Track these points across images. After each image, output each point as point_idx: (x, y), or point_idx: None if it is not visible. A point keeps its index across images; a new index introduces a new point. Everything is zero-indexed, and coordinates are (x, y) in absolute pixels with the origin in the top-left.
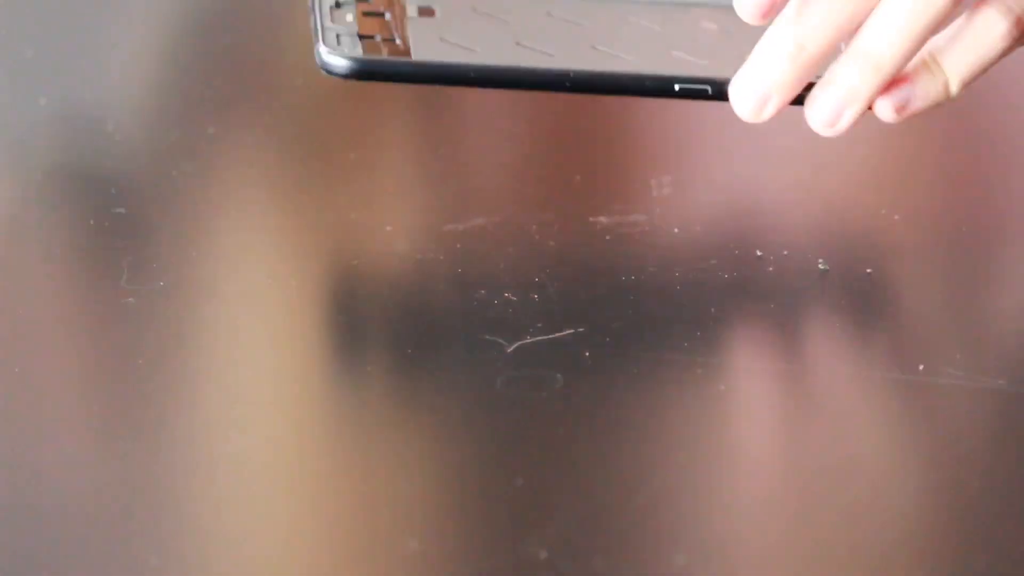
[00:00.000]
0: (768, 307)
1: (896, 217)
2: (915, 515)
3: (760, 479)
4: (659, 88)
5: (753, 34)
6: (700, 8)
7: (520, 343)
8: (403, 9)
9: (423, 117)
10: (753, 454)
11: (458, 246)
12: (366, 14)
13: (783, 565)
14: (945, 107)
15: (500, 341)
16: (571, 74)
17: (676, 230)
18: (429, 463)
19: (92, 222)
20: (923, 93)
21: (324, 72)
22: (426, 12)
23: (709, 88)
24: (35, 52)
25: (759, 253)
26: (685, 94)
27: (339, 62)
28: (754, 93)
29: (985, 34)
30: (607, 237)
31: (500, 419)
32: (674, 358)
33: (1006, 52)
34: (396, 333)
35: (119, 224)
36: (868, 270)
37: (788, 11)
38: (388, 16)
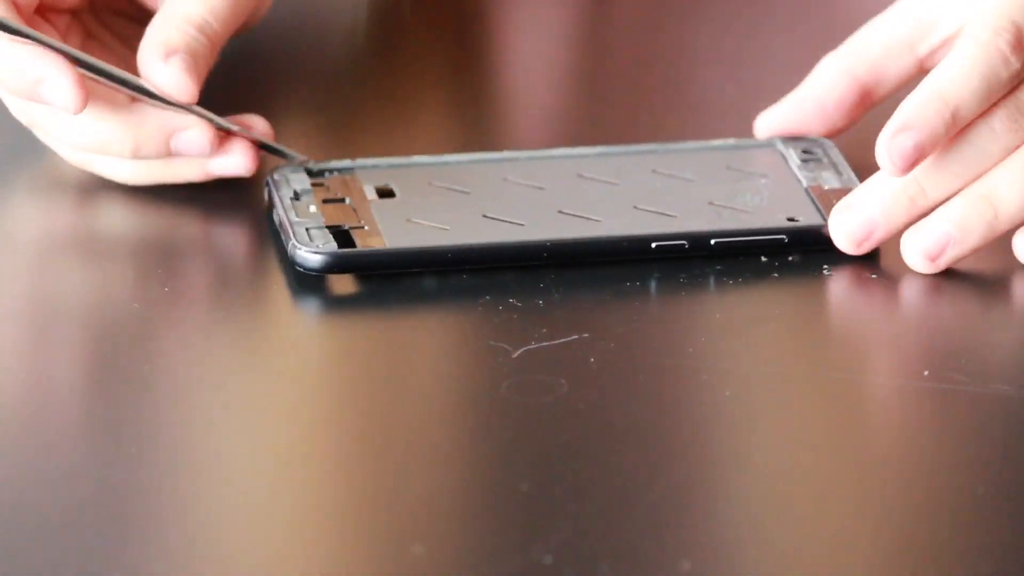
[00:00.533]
0: (773, 313)
1: None
2: (921, 519)
3: (765, 485)
4: (636, 248)
5: (703, 179)
6: (647, 154)
7: (525, 348)
8: (362, 192)
9: (434, 126)
10: (758, 460)
11: None
12: (326, 201)
13: (788, 570)
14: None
15: (505, 347)
16: (548, 244)
17: None
18: (434, 468)
19: (101, 230)
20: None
21: (300, 269)
22: (385, 193)
23: (686, 243)
24: None
25: (764, 259)
26: (662, 251)
27: (314, 258)
28: (861, 223)
29: None
30: None
31: (505, 424)
32: (679, 364)
33: None
34: (401, 339)
35: (128, 231)
36: (872, 275)
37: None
38: (349, 201)
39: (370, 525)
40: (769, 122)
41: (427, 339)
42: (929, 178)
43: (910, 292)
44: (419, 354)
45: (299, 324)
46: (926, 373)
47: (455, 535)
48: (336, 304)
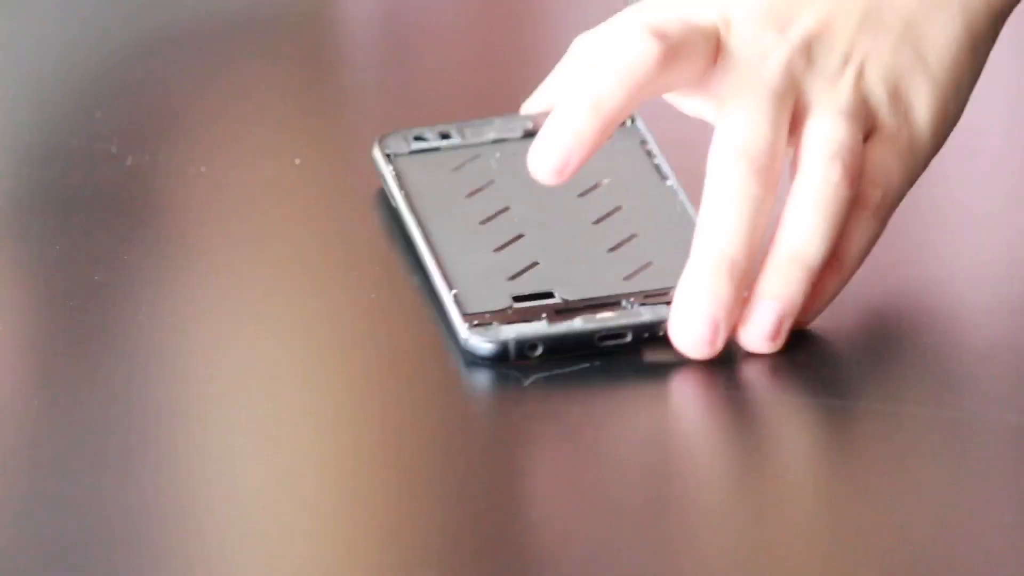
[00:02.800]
0: (793, 341)
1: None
2: (937, 544)
3: (775, 514)
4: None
5: None
6: None
7: (537, 376)
8: None
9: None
10: (767, 489)
11: None
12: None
13: None
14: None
15: (517, 374)
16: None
17: None
18: (447, 494)
19: (121, 253)
20: (832, 290)
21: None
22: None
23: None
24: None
25: None
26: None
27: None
28: (704, 324)
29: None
30: None
31: (516, 452)
32: (689, 392)
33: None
34: (414, 367)
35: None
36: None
37: (705, 228)
38: None
39: (380, 552)
40: (531, 108)
41: (440, 367)
42: (732, 248)
43: (915, 321)
44: (431, 383)
45: (307, 359)
46: (942, 399)
47: (466, 563)
48: (347, 331)
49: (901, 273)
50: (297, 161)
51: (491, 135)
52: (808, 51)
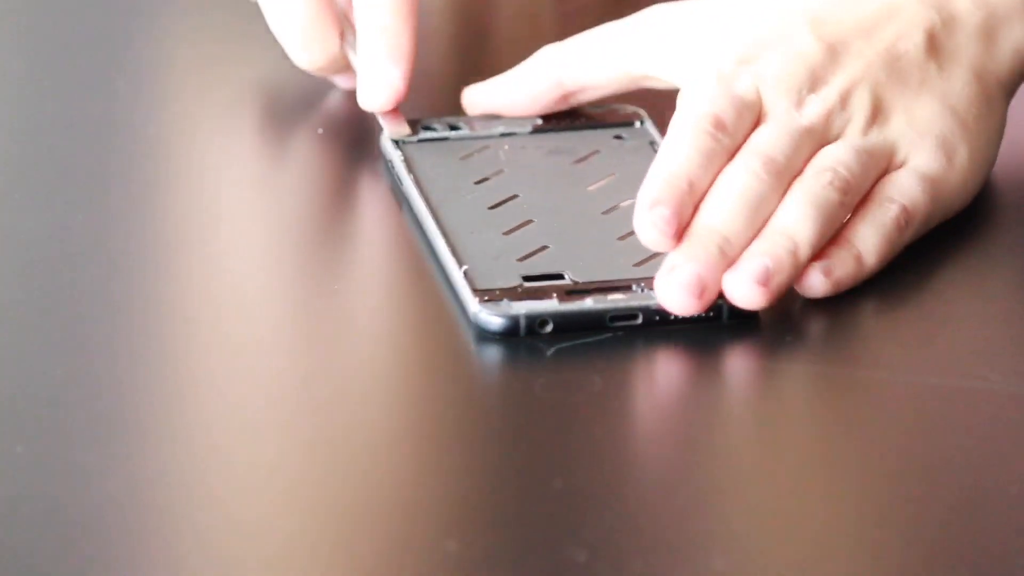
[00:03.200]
0: (807, 312)
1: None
2: (954, 519)
3: (801, 484)
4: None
5: None
6: None
7: (559, 346)
8: None
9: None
10: (794, 459)
11: None
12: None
13: (821, 569)
14: None
15: (539, 344)
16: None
17: None
18: (468, 465)
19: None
20: (841, 264)
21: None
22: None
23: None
24: None
25: None
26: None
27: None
28: (691, 281)
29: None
30: None
31: (539, 421)
32: (711, 361)
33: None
34: (437, 337)
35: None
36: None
37: (704, 209)
38: None
39: (403, 521)
40: (474, 98)
41: (461, 336)
42: (728, 229)
43: (941, 290)
44: (453, 351)
45: (328, 331)
46: (958, 371)
47: (488, 531)
48: (369, 306)
49: (924, 245)
50: (320, 131)
51: (500, 129)
52: (842, 106)
